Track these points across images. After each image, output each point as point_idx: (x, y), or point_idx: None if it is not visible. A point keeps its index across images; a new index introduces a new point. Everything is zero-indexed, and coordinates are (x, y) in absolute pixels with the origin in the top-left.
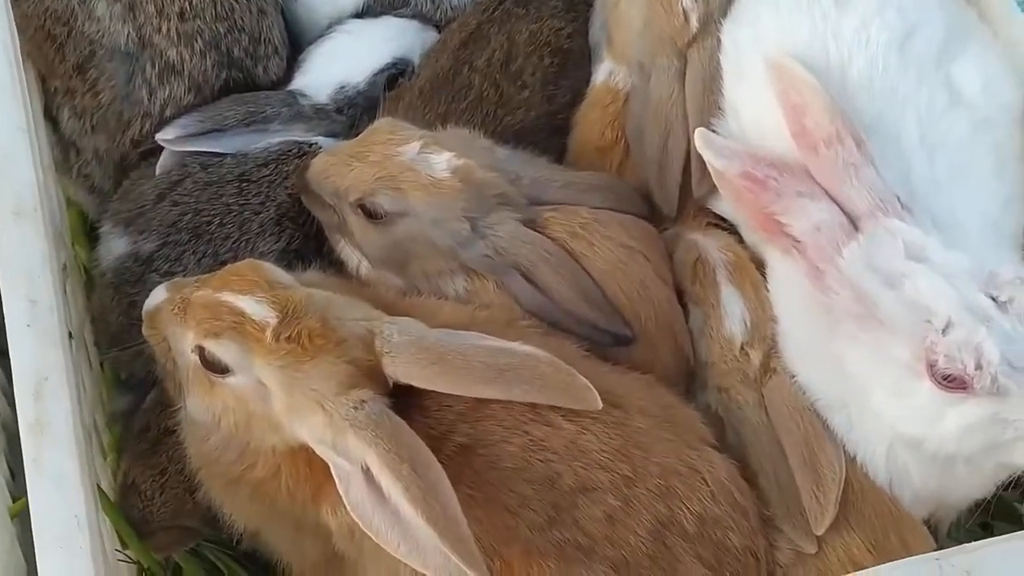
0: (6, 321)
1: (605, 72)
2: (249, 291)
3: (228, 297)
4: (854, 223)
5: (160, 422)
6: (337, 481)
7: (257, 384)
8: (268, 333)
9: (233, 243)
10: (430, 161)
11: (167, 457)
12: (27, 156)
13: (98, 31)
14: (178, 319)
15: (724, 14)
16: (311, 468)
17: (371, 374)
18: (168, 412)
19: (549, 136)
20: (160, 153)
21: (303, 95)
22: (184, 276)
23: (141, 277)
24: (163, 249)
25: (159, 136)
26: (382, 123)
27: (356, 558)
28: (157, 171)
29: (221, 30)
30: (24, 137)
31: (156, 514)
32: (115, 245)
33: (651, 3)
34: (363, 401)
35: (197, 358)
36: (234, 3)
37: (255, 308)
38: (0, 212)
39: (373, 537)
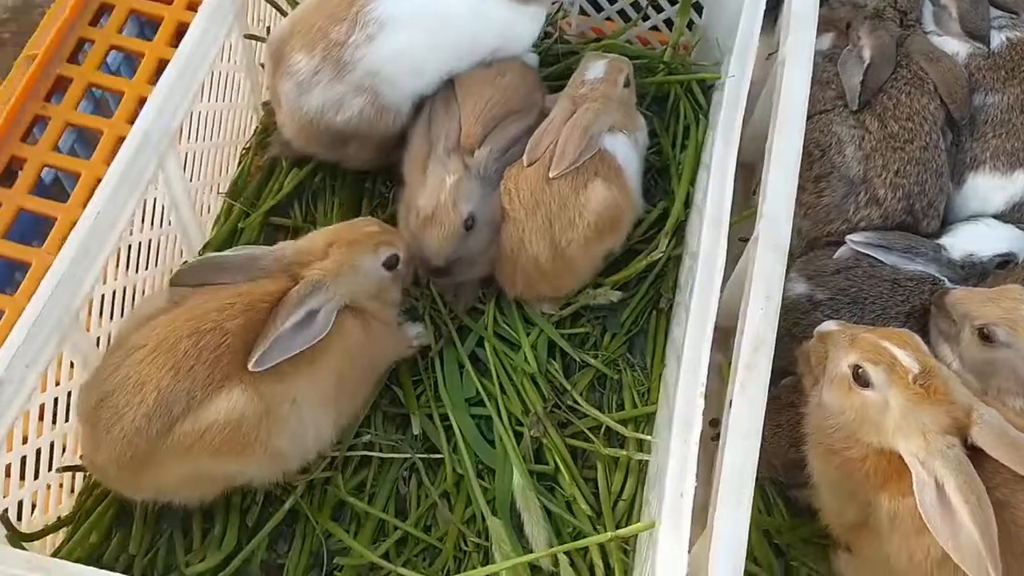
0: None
1: None
2: (903, 347)
3: (888, 344)
4: None
5: (789, 397)
6: (916, 485)
7: (884, 403)
8: (909, 376)
9: (875, 317)
10: None
11: (785, 419)
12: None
13: (840, 163)
14: (846, 343)
15: None
16: (889, 466)
17: (961, 430)
18: (797, 393)
19: None
20: (840, 246)
21: (944, 249)
22: None
23: (809, 312)
24: (830, 302)
25: (849, 237)
26: (1013, 287)
27: (880, 533)
28: (835, 255)
29: (915, 191)
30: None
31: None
32: (796, 287)
33: None
34: (952, 445)
35: (850, 372)
36: (928, 178)
37: (906, 358)
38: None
39: (930, 528)
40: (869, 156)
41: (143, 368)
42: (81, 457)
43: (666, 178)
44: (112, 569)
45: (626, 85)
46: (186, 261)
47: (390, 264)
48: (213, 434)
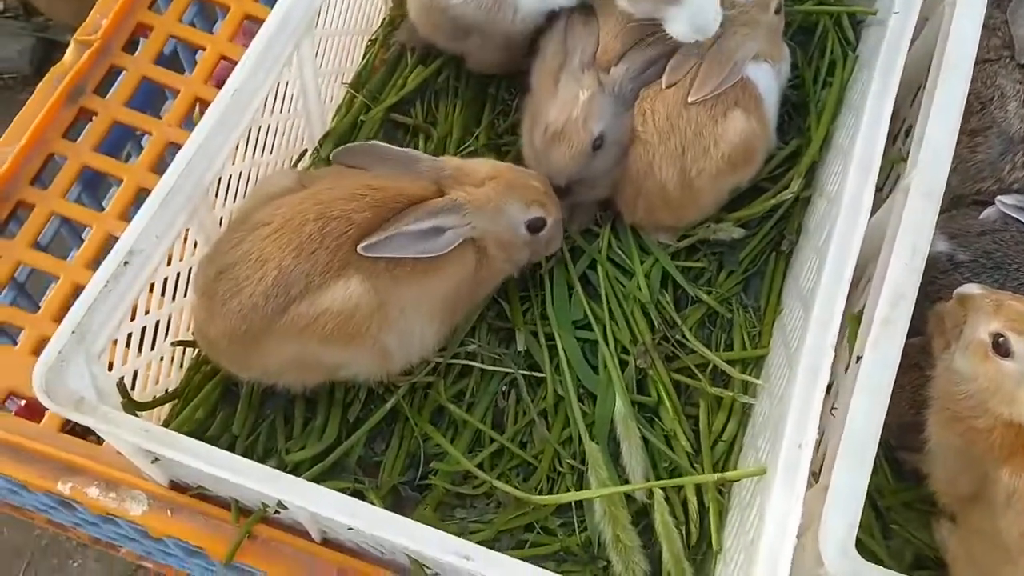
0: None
1: None
2: None
3: None
4: None
5: (915, 358)
6: None
7: (1022, 375)
8: None
9: (1019, 284)
10: None
11: (908, 380)
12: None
13: (1002, 118)
14: (990, 309)
15: None
16: (1016, 440)
17: None
18: (924, 355)
19: None
20: (988, 206)
21: None
22: None
23: (948, 272)
24: (972, 264)
25: (1000, 197)
26: None
27: (992, 506)
28: (982, 215)
29: None
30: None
31: None
32: (936, 244)
33: None
34: None
35: (990, 339)
36: None
37: None
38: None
39: None
40: None
41: (266, 245)
42: (193, 332)
43: (802, 115)
44: (216, 445)
45: (777, 11)
46: (307, 149)
47: (534, 226)
48: (326, 320)
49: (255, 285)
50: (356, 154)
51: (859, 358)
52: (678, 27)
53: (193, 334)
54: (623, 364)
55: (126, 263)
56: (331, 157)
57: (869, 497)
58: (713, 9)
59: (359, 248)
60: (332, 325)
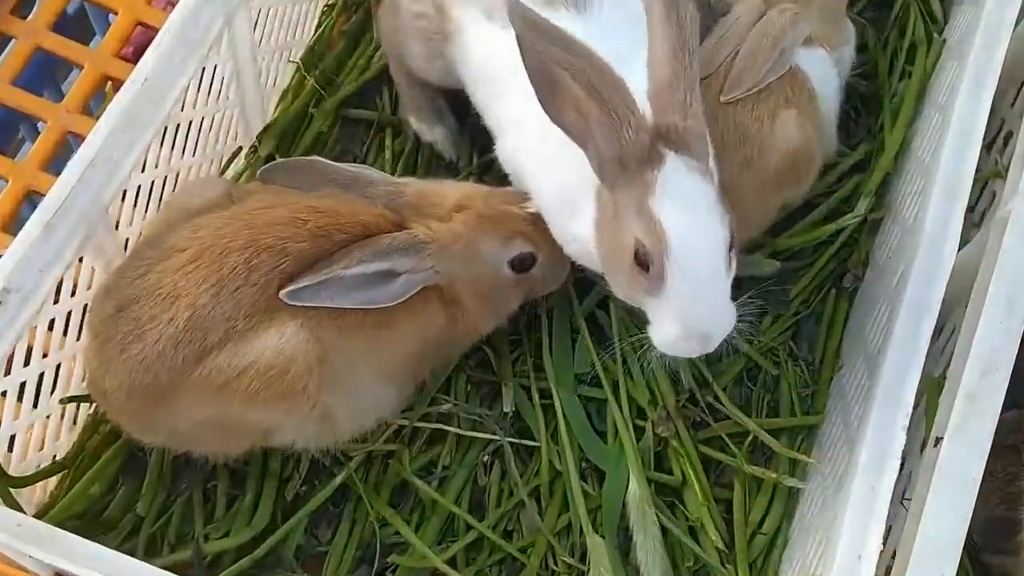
0: None
1: None
2: None
3: None
4: None
5: (1009, 437)
6: None
7: None
8: None
9: None
10: None
11: (1001, 466)
12: None
13: None
14: None
15: None
16: None
17: None
18: (1021, 434)
19: None
20: None
21: None
22: None
23: None
24: None
25: None
26: None
27: None
28: None
29: None
30: None
31: None
32: None
33: None
34: None
35: None
36: None
37: None
38: None
39: None
40: None
41: (179, 278)
42: (86, 383)
43: (872, 112)
44: (115, 528)
45: None
46: (242, 147)
47: (520, 265)
48: (252, 375)
49: (162, 328)
50: (290, 172)
51: (939, 439)
52: (662, 330)
53: (87, 386)
54: (639, 432)
55: None
56: (258, 176)
57: None
58: (716, 308)
59: (281, 294)
60: (259, 382)
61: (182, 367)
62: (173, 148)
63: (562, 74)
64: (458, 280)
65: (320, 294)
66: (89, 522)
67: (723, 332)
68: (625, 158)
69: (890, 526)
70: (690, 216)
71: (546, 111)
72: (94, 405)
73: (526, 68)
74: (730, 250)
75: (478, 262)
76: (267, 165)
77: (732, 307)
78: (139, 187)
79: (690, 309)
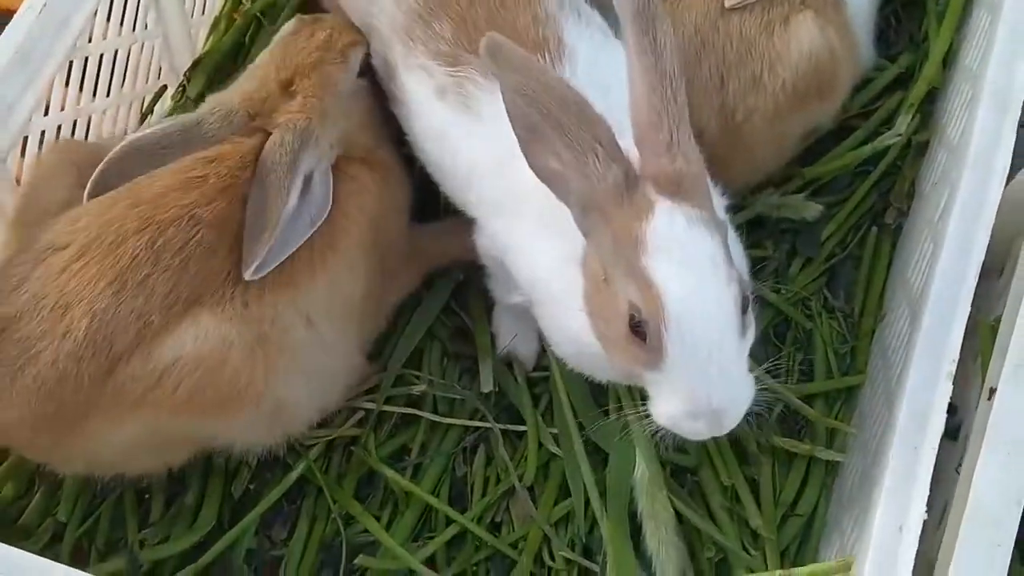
0: None
1: None
2: None
3: None
4: None
5: None
6: None
7: None
8: None
9: None
10: None
11: None
12: None
13: None
14: None
15: None
16: None
17: None
18: None
19: None
20: None
21: None
22: None
23: None
24: None
25: None
26: None
27: None
28: None
29: None
30: None
31: None
32: None
33: None
34: None
35: None
36: None
37: None
38: None
39: None
40: None
41: (67, 281)
42: None
43: (915, 16)
44: (33, 535)
45: None
46: (166, 86)
47: (364, 67)
48: (177, 379)
49: (58, 344)
50: (118, 167)
51: (992, 391)
52: (665, 408)
53: None
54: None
55: None
56: (87, 194)
57: None
58: (726, 383)
59: (246, 276)
60: (188, 385)
61: (91, 385)
62: (83, 87)
63: (534, 112)
64: (349, 134)
65: (280, 248)
66: (1, 529)
67: (738, 410)
68: (600, 199)
69: (944, 502)
70: (689, 275)
71: (529, 163)
72: None
73: (508, 113)
74: (743, 312)
75: (345, 100)
76: (93, 177)
77: (748, 378)
78: (43, 133)
79: (695, 386)
